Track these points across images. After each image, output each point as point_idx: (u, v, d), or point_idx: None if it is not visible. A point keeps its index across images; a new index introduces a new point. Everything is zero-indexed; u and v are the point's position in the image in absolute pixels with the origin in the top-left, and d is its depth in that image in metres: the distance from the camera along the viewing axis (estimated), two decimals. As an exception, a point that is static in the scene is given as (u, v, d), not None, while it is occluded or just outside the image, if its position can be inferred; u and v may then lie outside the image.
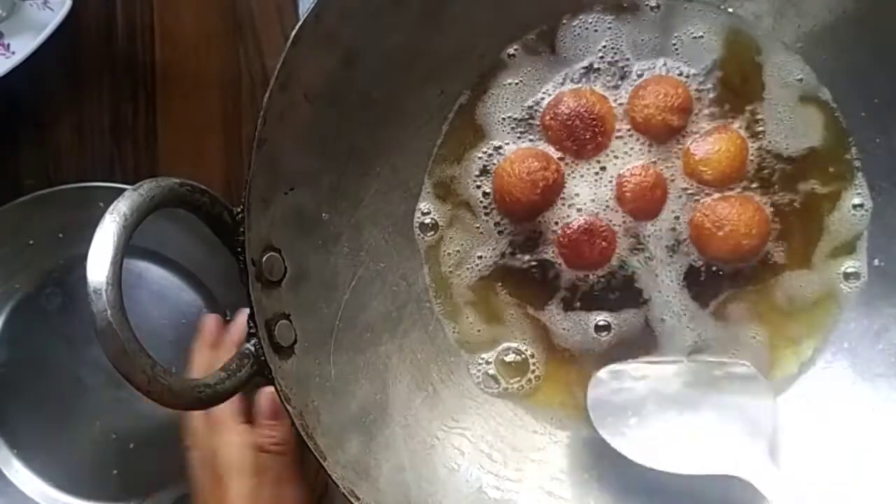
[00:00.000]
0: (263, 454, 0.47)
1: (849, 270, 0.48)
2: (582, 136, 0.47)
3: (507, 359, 0.49)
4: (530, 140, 0.48)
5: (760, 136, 0.47)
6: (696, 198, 0.47)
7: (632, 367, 0.47)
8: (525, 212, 0.48)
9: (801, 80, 0.47)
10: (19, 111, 0.61)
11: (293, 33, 0.40)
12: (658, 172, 0.47)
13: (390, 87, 0.46)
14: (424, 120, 0.48)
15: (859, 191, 0.47)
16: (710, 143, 0.47)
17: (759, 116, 0.47)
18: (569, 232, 0.47)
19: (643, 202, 0.47)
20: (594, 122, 0.47)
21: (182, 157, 0.61)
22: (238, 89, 0.60)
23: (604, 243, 0.47)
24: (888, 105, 0.46)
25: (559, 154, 0.48)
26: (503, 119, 0.49)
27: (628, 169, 0.47)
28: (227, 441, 0.46)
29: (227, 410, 0.47)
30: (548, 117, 0.48)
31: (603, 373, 0.47)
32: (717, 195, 0.47)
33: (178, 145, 0.61)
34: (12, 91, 0.57)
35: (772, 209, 0.47)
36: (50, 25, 0.56)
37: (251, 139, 0.39)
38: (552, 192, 0.47)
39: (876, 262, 0.47)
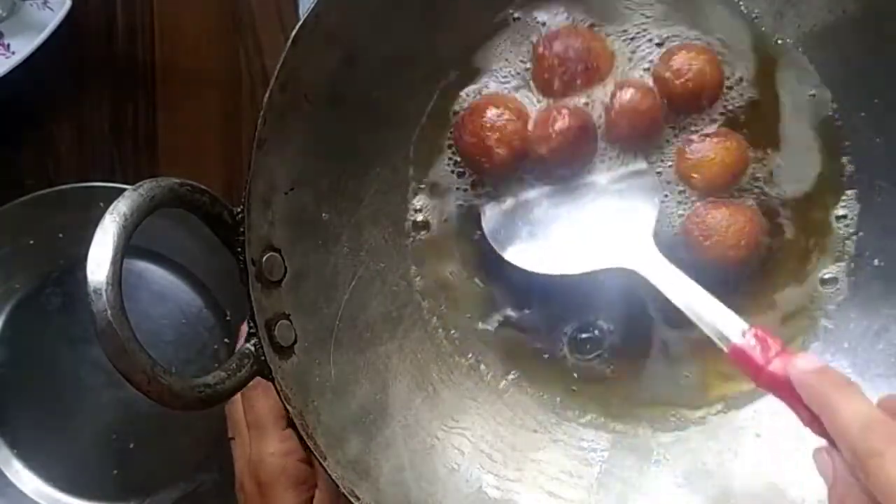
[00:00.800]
0: (304, 464, 0.45)
1: (826, 276, 0.48)
2: (573, 71, 0.46)
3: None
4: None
5: (764, 155, 0.47)
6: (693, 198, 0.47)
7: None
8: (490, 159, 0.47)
9: (813, 95, 0.47)
10: (19, 111, 0.61)
11: (293, 33, 0.40)
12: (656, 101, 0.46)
13: (390, 87, 0.46)
14: (425, 120, 0.48)
15: (844, 203, 0.47)
16: (706, 148, 0.46)
17: (767, 135, 0.47)
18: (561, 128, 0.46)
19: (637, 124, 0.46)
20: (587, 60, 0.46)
21: (182, 157, 0.61)
22: (238, 89, 0.60)
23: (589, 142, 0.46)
24: (888, 105, 0.46)
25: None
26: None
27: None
28: (271, 449, 0.45)
29: (271, 415, 0.45)
30: (542, 48, 0.47)
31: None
32: (710, 200, 0.47)
33: (178, 145, 0.61)
34: (12, 91, 0.57)
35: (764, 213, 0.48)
36: (50, 25, 0.56)
37: (251, 139, 0.39)
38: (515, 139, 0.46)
39: (875, 262, 0.47)
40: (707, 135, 0.47)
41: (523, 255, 0.46)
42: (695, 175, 0.47)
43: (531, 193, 0.47)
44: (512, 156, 0.46)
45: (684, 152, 0.47)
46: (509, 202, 0.47)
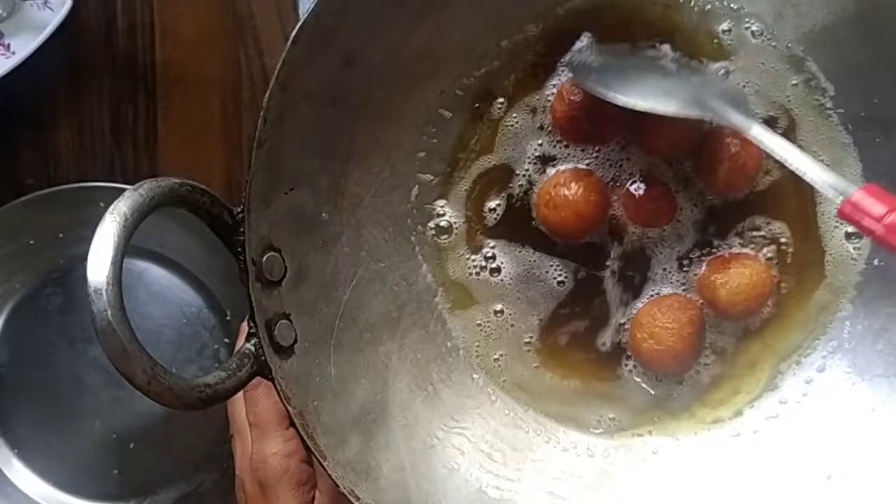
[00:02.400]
0: (306, 464, 0.45)
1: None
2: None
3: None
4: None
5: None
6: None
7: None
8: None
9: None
10: (19, 111, 0.61)
11: (293, 33, 0.40)
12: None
13: (390, 87, 0.46)
14: (425, 119, 0.48)
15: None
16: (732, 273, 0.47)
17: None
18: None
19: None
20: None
21: (182, 157, 0.61)
22: (238, 89, 0.60)
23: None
24: (888, 105, 0.46)
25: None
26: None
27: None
28: (273, 449, 0.44)
29: (273, 415, 0.45)
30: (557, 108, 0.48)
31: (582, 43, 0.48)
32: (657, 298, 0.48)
33: (178, 145, 0.61)
34: (12, 91, 0.57)
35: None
36: (50, 25, 0.56)
37: (251, 139, 0.39)
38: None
39: (875, 261, 0.47)
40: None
41: (613, 92, 0.43)
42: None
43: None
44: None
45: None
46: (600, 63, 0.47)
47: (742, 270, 0.46)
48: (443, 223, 0.49)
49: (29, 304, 0.61)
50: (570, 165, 0.48)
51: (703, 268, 0.48)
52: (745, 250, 0.48)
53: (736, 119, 0.42)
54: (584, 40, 0.48)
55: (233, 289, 0.58)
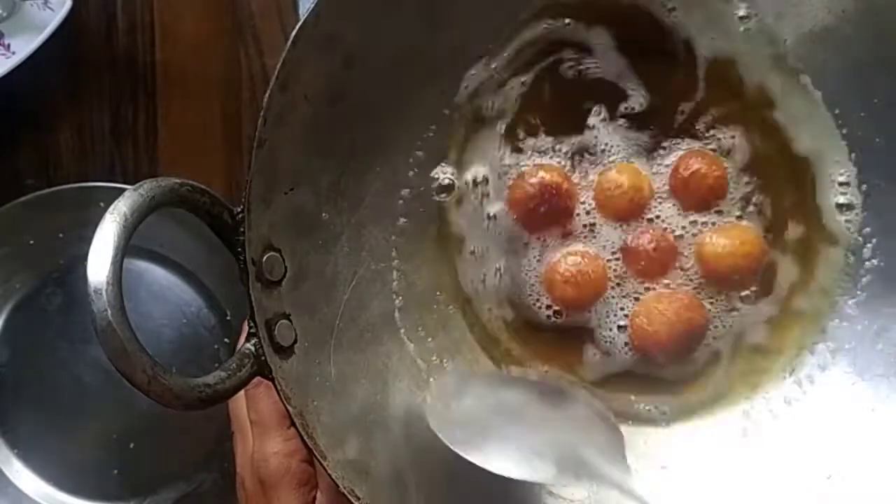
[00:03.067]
0: (307, 464, 0.45)
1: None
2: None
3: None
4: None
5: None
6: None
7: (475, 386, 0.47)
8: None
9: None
10: (19, 111, 0.61)
11: (293, 33, 0.40)
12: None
13: (390, 87, 0.46)
14: (426, 119, 0.48)
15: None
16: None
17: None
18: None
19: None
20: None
21: (182, 157, 0.61)
22: (238, 89, 0.61)
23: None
24: (888, 105, 0.46)
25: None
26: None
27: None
28: (275, 448, 0.44)
29: (274, 414, 0.45)
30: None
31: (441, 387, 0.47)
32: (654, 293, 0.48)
33: (178, 145, 0.61)
34: (12, 91, 0.57)
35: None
36: (50, 25, 0.56)
37: (251, 139, 0.39)
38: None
39: (875, 261, 0.47)
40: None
41: (482, 455, 0.41)
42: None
43: (487, 406, 0.45)
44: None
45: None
46: (466, 412, 0.45)
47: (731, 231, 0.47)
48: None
49: (29, 304, 0.61)
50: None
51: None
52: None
53: (612, 476, 0.41)
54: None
55: (233, 289, 0.58)
